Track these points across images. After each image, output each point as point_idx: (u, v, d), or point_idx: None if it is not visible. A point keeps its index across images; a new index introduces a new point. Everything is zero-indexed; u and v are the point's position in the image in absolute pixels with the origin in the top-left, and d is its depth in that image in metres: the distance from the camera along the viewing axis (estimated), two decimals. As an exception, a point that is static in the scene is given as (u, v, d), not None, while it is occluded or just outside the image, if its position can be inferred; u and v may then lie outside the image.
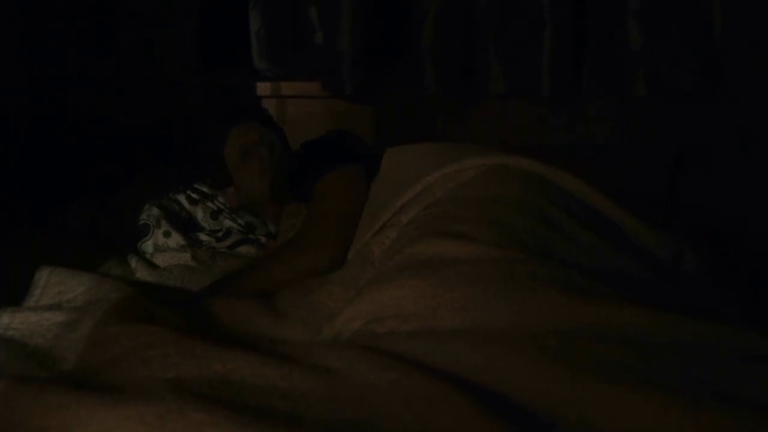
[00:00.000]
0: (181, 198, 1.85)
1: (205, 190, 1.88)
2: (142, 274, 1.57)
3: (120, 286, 1.09)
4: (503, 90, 2.09)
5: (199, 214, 1.83)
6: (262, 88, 2.17)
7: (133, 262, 1.60)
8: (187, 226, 1.80)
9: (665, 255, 1.23)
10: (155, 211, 1.75)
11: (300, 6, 2.09)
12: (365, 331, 1.00)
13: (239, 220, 1.82)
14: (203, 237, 1.76)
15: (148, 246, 1.71)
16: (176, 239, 1.71)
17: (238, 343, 1.08)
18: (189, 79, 2.16)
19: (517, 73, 2.07)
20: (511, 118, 2.15)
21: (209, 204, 1.85)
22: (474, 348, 0.86)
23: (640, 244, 1.24)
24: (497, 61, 2.07)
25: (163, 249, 1.70)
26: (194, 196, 1.86)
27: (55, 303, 1.07)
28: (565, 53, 2.03)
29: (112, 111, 2.14)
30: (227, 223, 1.82)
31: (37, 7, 1.94)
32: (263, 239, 1.78)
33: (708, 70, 1.99)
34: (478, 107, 2.16)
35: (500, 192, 1.24)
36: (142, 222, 1.73)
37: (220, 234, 1.77)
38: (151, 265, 1.61)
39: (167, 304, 1.16)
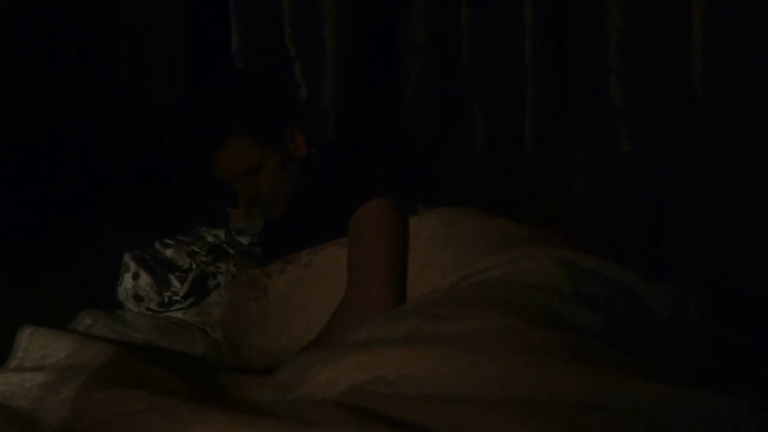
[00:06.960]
0: (156, 245, 1.85)
1: (180, 238, 1.88)
2: (119, 330, 1.55)
3: (104, 348, 1.07)
4: (486, 144, 2.11)
5: (170, 253, 1.83)
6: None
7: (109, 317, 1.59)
8: (162, 267, 1.78)
9: (669, 312, 1.24)
10: (129, 255, 1.74)
11: (284, 63, 2.12)
12: (362, 389, 0.97)
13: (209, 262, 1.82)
14: (174, 282, 1.74)
15: (121, 291, 1.69)
16: (145, 279, 1.69)
17: (225, 398, 1.07)
18: (178, 98, 2.15)
19: (500, 128, 2.09)
20: (494, 171, 2.16)
21: (183, 247, 1.85)
22: (479, 415, 0.85)
23: (646, 304, 1.26)
24: (480, 115, 2.10)
25: (134, 294, 1.68)
26: (168, 241, 1.86)
27: (38, 366, 1.06)
28: (548, 109, 2.06)
29: (101, 131, 2.12)
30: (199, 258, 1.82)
31: (25, 26, 1.94)
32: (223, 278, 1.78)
33: (691, 123, 2.02)
34: (463, 160, 2.17)
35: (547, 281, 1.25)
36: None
37: (181, 293, 1.72)
38: (129, 323, 1.60)
39: (154, 360, 1.15)
